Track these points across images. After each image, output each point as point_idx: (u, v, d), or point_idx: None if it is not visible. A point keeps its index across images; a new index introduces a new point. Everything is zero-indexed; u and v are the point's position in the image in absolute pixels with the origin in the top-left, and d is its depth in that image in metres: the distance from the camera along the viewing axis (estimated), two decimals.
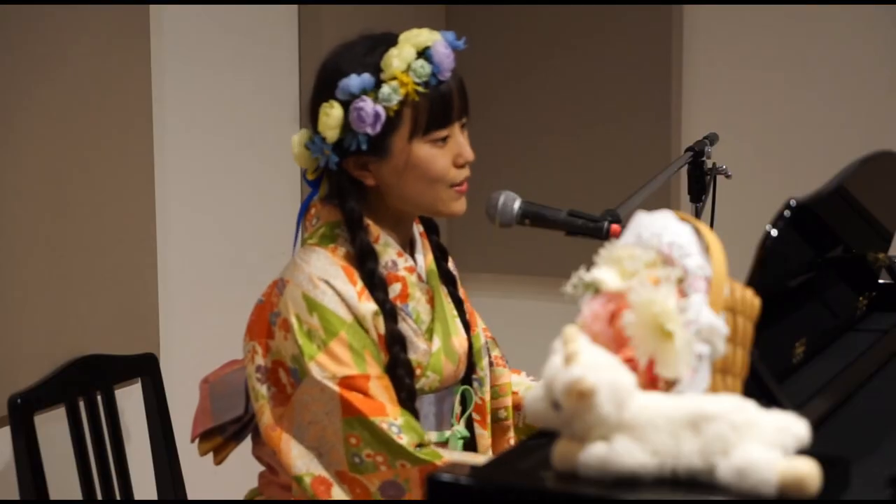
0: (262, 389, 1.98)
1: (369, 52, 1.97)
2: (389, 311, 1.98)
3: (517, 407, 2.24)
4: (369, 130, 1.93)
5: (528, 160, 3.94)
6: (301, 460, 1.94)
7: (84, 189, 2.80)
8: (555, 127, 3.93)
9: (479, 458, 2.00)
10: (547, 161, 3.93)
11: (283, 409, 1.97)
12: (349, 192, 2.00)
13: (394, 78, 1.93)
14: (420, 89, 1.93)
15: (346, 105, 1.94)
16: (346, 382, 1.91)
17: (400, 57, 1.93)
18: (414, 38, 1.96)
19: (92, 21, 2.80)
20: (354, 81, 1.93)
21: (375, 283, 1.98)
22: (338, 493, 1.94)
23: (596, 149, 3.87)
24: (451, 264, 2.19)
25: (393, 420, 1.91)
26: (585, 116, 3.88)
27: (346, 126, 1.95)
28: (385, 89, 1.93)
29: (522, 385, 2.27)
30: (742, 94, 3.75)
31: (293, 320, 1.93)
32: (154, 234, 3.00)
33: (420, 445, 1.92)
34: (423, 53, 1.95)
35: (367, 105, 1.92)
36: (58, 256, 2.74)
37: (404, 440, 1.91)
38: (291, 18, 3.46)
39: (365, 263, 1.98)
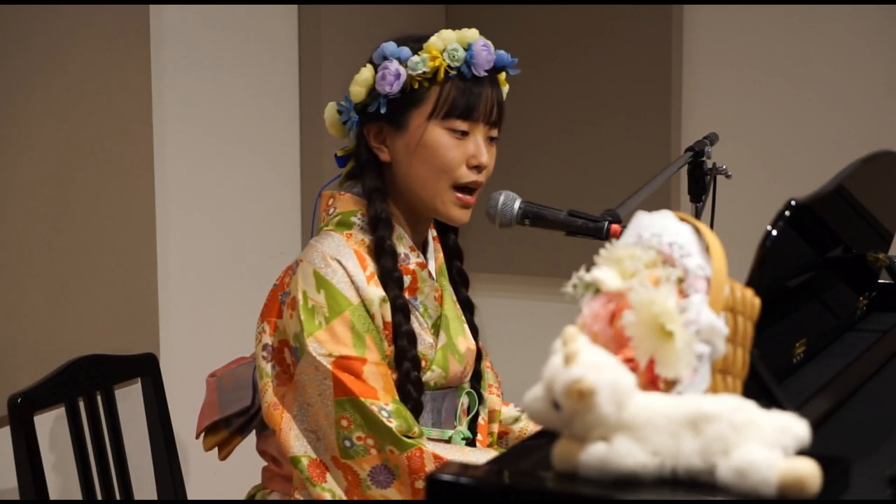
0: (267, 368, 2.02)
1: (418, 38, 2.03)
2: (396, 280, 1.99)
3: (501, 436, 2.26)
4: (388, 89, 1.97)
5: (527, 160, 3.94)
6: (299, 441, 1.96)
7: (84, 189, 2.80)
8: (555, 127, 3.93)
9: (470, 455, 1.99)
10: (547, 161, 3.93)
11: (285, 389, 1.99)
12: (369, 164, 2.04)
13: (427, 52, 1.99)
14: (450, 72, 1.98)
15: (376, 67, 2.00)
16: (341, 362, 1.93)
17: (440, 37, 2.00)
18: (461, 32, 2.03)
19: (92, 21, 2.80)
20: (391, 47, 2.00)
21: (385, 249, 2.00)
22: (333, 477, 1.95)
23: (596, 149, 3.87)
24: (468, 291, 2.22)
25: (383, 405, 1.92)
26: (585, 116, 3.88)
27: (371, 89, 2.00)
28: (415, 58, 1.99)
29: (510, 416, 2.29)
30: (742, 94, 3.75)
31: (300, 296, 1.96)
32: (154, 234, 3.00)
33: (407, 435, 1.93)
34: (465, 44, 2.01)
35: (393, 65, 1.98)
36: (58, 256, 2.74)
37: (393, 425, 1.92)
38: (291, 18, 3.46)
39: (377, 230, 2.01)
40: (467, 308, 2.18)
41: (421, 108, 2.00)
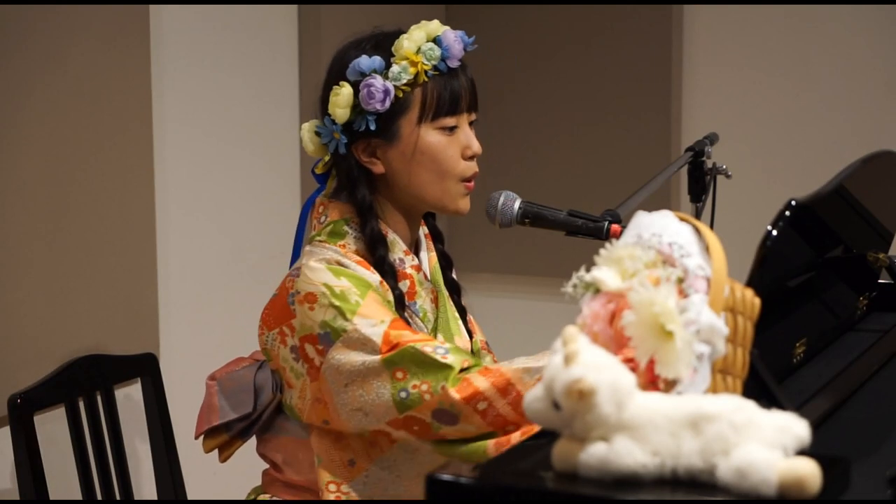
0: (298, 367, 1.98)
1: (380, 41, 2.00)
2: (399, 298, 1.99)
3: None
4: (378, 107, 1.95)
5: (528, 160, 3.94)
6: (352, 421, 1.93)
7: (84, 189, 2.80)
8: (555, 127, 3.93)
9: (532, 363, 1.95)
10: (547, 161, 3.93)
11: (318, 384, 1.96)
12: (359, 180, 2.02)
13: (404, 59, 1.96)
14: (430, 71, 1.97)
15: (355, 85, 1.97)
16: (393, 324, 1.91)
17: (411, 39, 1.97)
18: (424, 26, 2.00)
19: (92, 21, 2.80)
20: (365, 61, 1.96)
21: (385, 270, 1.99)
22: (399, 439, 1.93)
23: (596, 149, 3.87)
24: (453, 274, 2.20)
25: (438, 344, 1.91)
26: (585, 116, 3.88)
27: (355, 106, 1.97)
28: (395, 68, 1.96)
29: None
30: (742, 94, 3.75)
31: (322, 289, 1.93)
32: (154, 234, 3.00)
33: (465, 369, 1.90)
34: (434, 40, 1.98)
35: (377, 81, 1.95)
36: (58, 256, 2.74)
37: (450, 359, 1.88)
38: (291, 18, 3.46)
39: (376, 250, 1.99)
40: (454, 290, 2.16)
41: (408, 115, 1.98)
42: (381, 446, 1.96)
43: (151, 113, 2.98)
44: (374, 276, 1.96)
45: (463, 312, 2.17)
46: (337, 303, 1.92)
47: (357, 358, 1.91)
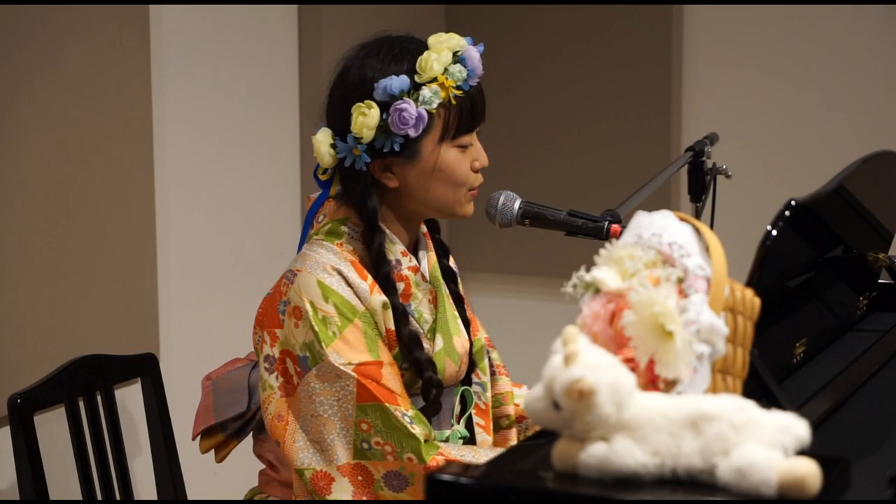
0: (271, 379, 1.99)
1: (397, 54, 1.98)
2: (402, 313, 1.99)
3: (520, 419, 2.25)
4: (411, 133, 1.94)
5: (528, 160, 3.94)
6: (304, 452, 1.95)
7: (84, 189, 2.80)
8: (555, 127, 3.93)
9: (480, 452, 1.99)
10: (547, 161, 3.93)
11: (289, 400, 1.97)
12: (371, 194, 2.00)
13: (433, 80, 1.94)
14: (457, 93, 1.96)
15: (384, 106, 1.94)
16: (362, 369, 1.93)
17: (439, 60, 1.95)
18: (447, 42, 1.97)
19: (92, 21, 2.80)
20: (395, 83, 1.93)
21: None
22: (338, 488, 1.94)
23: (596, 149, 3.87)
24: (451, 262, 2.20)
25: (404, 410, 1.93)
26: (585, 116, 3.88)
27: (382, 127, 1.95)
28: (426, 92, 1.94)
29: (523, 398, 2.27)
30: (742, 94, 3.75)
31: (307, 307, 1.94)
32: (154, 234, 3.00)
33: (427, 440, 1.93)
34: (458, 58, 1.97)
35: (411, 107, 1.93)
36: (58, 256, 2.74)
37: (417, 431, 1.92)
38: (291, 18, 3.46)
39: (381, 267, 2.00)
40: (450, 278, 2.16)
41: (431, 135, 1.97)
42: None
43: (151, 113, 2.98)
44: (359, 303, 1.96)
45: (460, 301, 2.17)
46: (317, 327, 1.93)
47: (330, 392, 1.93)
